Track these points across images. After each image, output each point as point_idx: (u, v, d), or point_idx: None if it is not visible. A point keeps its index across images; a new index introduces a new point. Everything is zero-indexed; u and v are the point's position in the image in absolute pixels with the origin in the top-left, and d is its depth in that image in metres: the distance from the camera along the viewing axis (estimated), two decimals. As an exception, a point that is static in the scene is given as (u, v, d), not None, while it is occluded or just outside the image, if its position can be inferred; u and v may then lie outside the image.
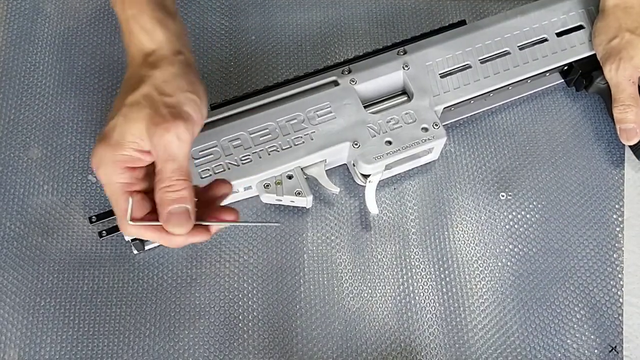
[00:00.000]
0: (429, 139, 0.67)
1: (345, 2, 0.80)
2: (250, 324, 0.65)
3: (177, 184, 0.51)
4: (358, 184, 0.70)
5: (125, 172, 0.51)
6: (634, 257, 0.69)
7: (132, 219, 0.51)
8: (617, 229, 0.70)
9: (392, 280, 0.67)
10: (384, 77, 0.70)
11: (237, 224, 0.57)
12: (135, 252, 0.67)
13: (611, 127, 0.73)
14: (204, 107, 0.54)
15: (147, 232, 0.52)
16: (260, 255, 0.67)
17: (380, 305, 0.66)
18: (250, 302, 0.66)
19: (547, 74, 0.74)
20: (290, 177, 0.66)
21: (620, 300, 0.67)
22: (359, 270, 0.67)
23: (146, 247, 0.66)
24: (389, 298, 0.66)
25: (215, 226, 0.53)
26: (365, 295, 0.66)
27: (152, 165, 0.52)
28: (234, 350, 0.64)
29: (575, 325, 0.66)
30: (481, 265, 0.68)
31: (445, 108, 0.70)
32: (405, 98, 0.70)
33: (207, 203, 0.55)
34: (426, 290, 0.67)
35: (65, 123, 0.72)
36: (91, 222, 0.65)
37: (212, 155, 0.65)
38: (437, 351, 0.65)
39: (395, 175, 0.71)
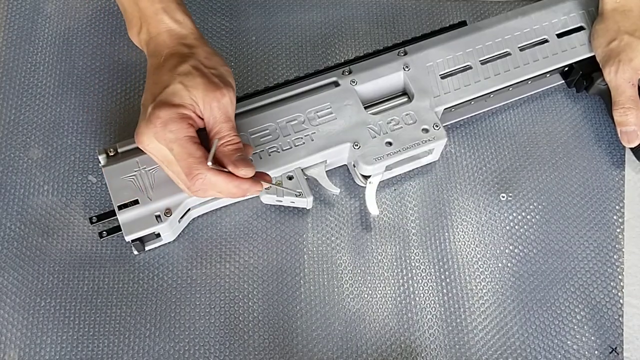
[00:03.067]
0: (429, 140, 0.67)
1: (346, 3, 0.80)
2: (250, 324, 0.65)
3: (235, 139, 0.59)
4: (358, 185, 0.70)
5: (191, 127, 0.58)
6: (634, 258, 0.69)
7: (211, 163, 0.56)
8: (618, 230, 0.70)
9: (393, 281, 0.67)
10: (384, 78, 0.70)
11: (279, 187, 0.65)
12: (136, 252, 0.67)
13: (612, 128, 0.73)
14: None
15: (221, 177, 0.58)
16: (260, 256, 0.67)
17: (381, 306, 0.66)
18: (250, 303, 0.66)
19: (548, 75, 0.74)
20: (290, 178, 0.66)
21: (621, 301, 0.67)
22: (359, 271, 0.67)
23: (146, 248, 0.66)
24: (389, 299, 0.66)
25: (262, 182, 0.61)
26: (366, 296, 0.66)
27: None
28: (234, 350, 0.64)
29: (576, 327, 0.66)
30: (481, 266, 0.68)
31: (445, 109, 0.70)
32: (406, 99, 0.70)
33: None
34: (426, 291, 0.67)
35: (65, 123, 0.72)
36: (92, 222, 0.65)
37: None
38: (437, 352, 0.65)
39: (396, 176, 0.71)
